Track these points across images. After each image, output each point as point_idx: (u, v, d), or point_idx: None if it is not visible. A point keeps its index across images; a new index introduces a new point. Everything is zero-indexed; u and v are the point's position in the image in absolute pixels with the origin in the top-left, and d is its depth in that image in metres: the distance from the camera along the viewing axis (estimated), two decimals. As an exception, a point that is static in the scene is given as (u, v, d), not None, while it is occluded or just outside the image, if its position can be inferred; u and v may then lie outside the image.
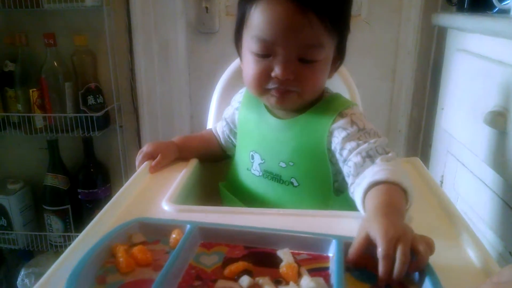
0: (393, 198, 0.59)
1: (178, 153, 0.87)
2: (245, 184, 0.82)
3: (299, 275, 0.50)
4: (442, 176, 1.38)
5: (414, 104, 1.58)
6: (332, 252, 0.53)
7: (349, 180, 0.70)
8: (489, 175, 1.05)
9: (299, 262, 0.52)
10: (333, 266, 0.50)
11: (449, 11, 1.38)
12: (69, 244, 0.57)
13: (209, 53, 1.57)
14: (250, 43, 0.72)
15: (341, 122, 0.73)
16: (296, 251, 0.54)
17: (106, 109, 1.54)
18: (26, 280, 1.62)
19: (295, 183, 0.75)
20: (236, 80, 1.02)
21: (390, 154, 0.68)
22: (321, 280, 0.48)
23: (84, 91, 1.49)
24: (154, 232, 0.57)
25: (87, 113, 1.49)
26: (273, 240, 0.55)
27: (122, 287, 0.48)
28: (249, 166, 0.81)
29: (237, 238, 0.56)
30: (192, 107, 1.63)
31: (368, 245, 0.50)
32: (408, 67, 1.53)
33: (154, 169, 0.82)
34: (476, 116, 1.04)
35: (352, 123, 0.72)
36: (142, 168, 0.81)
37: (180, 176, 0.78)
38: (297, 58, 0.69)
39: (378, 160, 0.67)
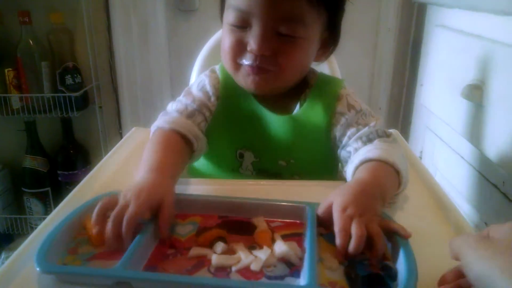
0: (378, 177, 0.57)
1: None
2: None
3: (273, 241, 0.50)
4: (421, 152, 1.40)
5: (394, 81, 1.59)
6: (305, 218, 0.53)
7: (346, 165, 0.67)
8: (466, 149, 1.07)
9: (273, 229, 0.53)
10: (306, 231, 0.51)
11: (428, -13, 1.38)
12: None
13: (189, 32, 1.55)
14: (226, 14, 0.67)
15: (339, 107, 0.69)
16: (271, 219, 0.54)
17: (84, 89, 1.52)
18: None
19: (298, 179, 0.72)
20: (216, 57, 1.01)
21: (389, 136, 0.66)
22: (294, 244, 0.49)
23: (62, 71, 1.46)
24: None
25: (65, 93, 1.46)
26: (247, 208, 0.55)
27: (93, 257, 0.47)
28: (236, 166, 0.73)
29: (211, 207, 0.56)
30: (172, 86, 1.62)
31: (330, 213, 0.50)
32: (389, 44, 1.53)
33: (167, 231, 0.51)
34: (454, 90, 1.06)
35: (349, 106, 0.69)
36: (120, 144, 0.80)
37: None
38: (275, 32, 0.63)
39: (376, 141, 0.65)
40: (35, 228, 1.59)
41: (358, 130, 0.67)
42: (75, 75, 1.48)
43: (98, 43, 1.52)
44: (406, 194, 0.63)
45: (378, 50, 1.55)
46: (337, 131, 0.69)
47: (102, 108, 1.62)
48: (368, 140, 0.65)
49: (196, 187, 0.65)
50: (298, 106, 0.72)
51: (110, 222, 0.48)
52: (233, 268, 0.46)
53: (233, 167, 0.73)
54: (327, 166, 0.73)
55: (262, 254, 0.47)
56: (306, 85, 0.73)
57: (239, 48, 0.65)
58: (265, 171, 0.72)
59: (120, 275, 0.43)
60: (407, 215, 0.58)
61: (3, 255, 1.62)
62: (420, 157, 1.38)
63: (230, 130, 0.73)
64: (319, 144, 0.71)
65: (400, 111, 1.64)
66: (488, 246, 0.37)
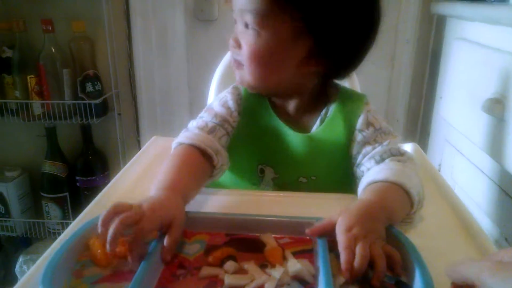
0: (383, 199, 0.55)
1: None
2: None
3: (284, 258, 0.49)
4: (440, 165, 1.38)
5: (412, 93, 1.58)
6: None
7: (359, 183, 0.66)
8: (487, 163, 1.06)
9: (282, 246, 0.52)
10: (316, 248, 0.49)
11: (448, 0, 1.37)
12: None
13: (208, 41, 1.56)
14: None
15: (358, 124, 0.69)
16: (279, 235, 0.53)
17: (104, 96, 1.54)
18: (24, 267, 1.62)
19: None
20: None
21: (403, 156, 0.65)
22: (306, 261, 0.48)
23: (82, 78, 1.48)
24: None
25: (85, 100, 1.48)
26: (254, 225, 0.54)
27: (100, 280, 0.45)
28: (257, 181, 0.73)
29: (218, 225, 0.55)
30: (190, 94, 1.63)
31: (330, 231, 0.50)
32: (407, 55, 1.53)
33: (171, 254, 0.50)
34: (474, 104, 1.05)
35: (368, 124, 0.69)
36: (139, 154, 0.80)
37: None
38: (244, 25, 0.65)
39: (387, 160, 0.64)
40: (53, 232, 1.58)
41: (373, 149, 0.66)
42: (96, 83, 1.50)
43: (118, 52, 1.55)
44: (426, 210, 0.62)
45: (396, 61, 1.55)
46: (354, 149, 0.69)
47: (121, 115, 1.64)
48: (381, 159, 0.65)
49: (214, 197, 0.65)
50: (318, 122, 0.71)
51: (118, 222, 0.46)
52: None
53: (254, 182, 0.73)
54: (348, 183, 0.71)
55: (275, 273, 0.46)
56: (327, 100, 0.72)
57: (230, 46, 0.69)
58: (285, 187, 0.72)
59: None
60: (426, 231, 0.58)
61: (21, 258, 1.65)
62: (439, 170, 1.36)
63: (251, 145, 0.72)
64: (339, 162, 0.71)
65: (418, 124, 1.63)
66: (508, 268, 0.37)
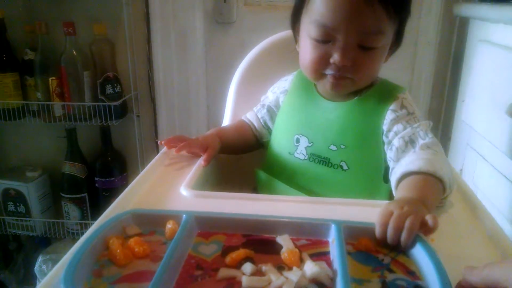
0: (420, 193, 0.59)
1: (220, 147, 0.84)
2: (287, 169, 0.80)
3: (301, 260, 0.49)
4: (461, 170, 1.36)
5: (433, 96, 1.56)
6: (331, 236, 0.52)
7: (390, 164, 0.72)
8: (510, 168, 1.03)
9: (299, 248, 0.51)
10: (333, 250, 0.50)
11: (471, 1, 1.35)
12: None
13: (226, 44, 1.56)
14: (309, 28, 0.71)
15: (393, 105, 0.74)
16: (295, 237, 0.53)
17: (123, 98, 1.55)
18: (44, 267, 1.64)
19: (345, 167, 0.75)
20: (254, 70, 1.02)
21: (431, 140, 0.69)
22: (324, 264, 0.48)
23: (102, 80, 1.50)
24: (149, 223, 0.55)
25: (105, 102, 1.50)
26: (271, 227, 0.54)
27: (120, 280, 0.46)
28: (293, 150, 0.80)
29: (234, 226, 0.55)
30: (209, 97, 1.63)
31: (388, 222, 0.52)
32: (428, 58, 1.50)
33: (208, 162, 0.78)
34: (498, 107, 1.02)
35: (402, 106, 0.74)
36: (159, 156, 0.81)
37: (198, 163, 0.78)
38: (357, 45, 0.69)
39: (417, 148, 0.68)
40: (72, 233, 1.60)
41: (404, 128, 0.71)
42: (115, 85, 1.52)
43: (137, 54, 1.56)
44: (447, 214, 0.61)
45: (417, 64, 1.52)
46: (385, 125, 0.73)
47: (140, 117, 1.65)
48: (410, 140, 0.69)
49: (230, 201, 0.65)
50: (355, 98, 0.77)
51: (177, 136, 0.82)
52: None
53: (289, 151, 0.80)
54: (374, 160, 0.75)
55: (293, 276, 0.46)
56: (371, 85, 0.78)
57: (322, 61, 0.72)
58: (316, 156, 0.77)
59: None
60: (447, 235, 0.56)
61: (40, 258, 1.67)
62: (460, 174, 1.34)
63: (292, 117, 0.83)
64: (368, 135, 0.75)
65: (439, 127, 1.60)
66: None
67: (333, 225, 0.53)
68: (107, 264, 0.48)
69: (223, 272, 0.47)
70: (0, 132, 1.73)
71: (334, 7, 0.67)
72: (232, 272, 0.47)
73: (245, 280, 0.45)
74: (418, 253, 0.49)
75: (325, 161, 0.76)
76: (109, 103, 1.49)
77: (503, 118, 1.00)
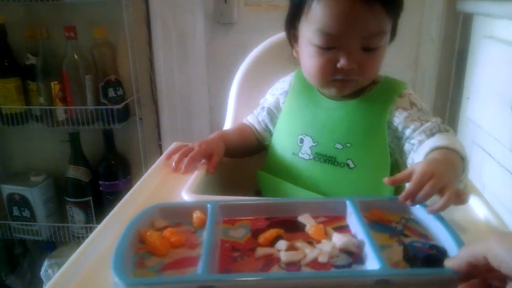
0: (449, 159, 0.63)
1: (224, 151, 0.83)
2: (292, 169, 0.80)
3: (327, 234, 0.54)
4: (467, 167, 1.34)
5: (438, 93, 1.54)
6: (348, 211, 0.57)
7: (409, 155, 0.74)
8: (517, 165, 1.02)
9: (321, 224, 0.56)
10: (352, 223, 0.55)
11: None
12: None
13: (227, 44, 1.55)
14: (312, 36, 0.72)
15: (401, 103, 0.76)
16: (314, 215, 0.58)
17: (126, 102, 1.55)
18: (50, 271, 1.64)
19: (351, 165, 0.75)
20: (256, 71, 1.01)
21: (449, 132, 0.74)
22: (347, 235, 0.53)
23: (104, 84, 1.49)
24: (175, 216, 0.58)
25: (107, 105, 1.49)
26: (290, 208, 0.59)
27: (164, 267, 0.48)
28: (296, 150, 0.80)
29: (257, 210, 0.59)
30: (210, 99, 1.62)
31: (409, 178, 0.57)
32: (432, 55, 1.48)
33: (214, 170, 0.78)
34: (504, 104, 1.01)
35: (411, 104, 0.76)
36: (160, 160, 0.81)
37: (199, 167, 0.78)
38: (361, 48, 0.71)
39: (437, 134, 0.71)
40: (77, 236, 1.61)
41: (421, 124, 0.73)
42: (117, 88, 1.52)
43: (139, 57, 1.56)
44: (453, 213, 0.60)
45: (421, 61, 1.50)
46: (400, 124, 0.75)
47: (143, 119, 1.65)
48: (431, 134, 0.72)
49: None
50: (359, 97, 0.78)
51: (179, 153, 0.78)
52: (302, 262, 0.49)
53: (293, 151, 0.80)
54: (381, 157, 0.75)
55: (325, 247, 0.50)
56: (373, 83, 0.79)
57: (329, 67, 0.73)
58: (322, 155, 0.77)
59: (205, 279, 0.44)
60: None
61: (46, 262, 1.67)
62: (466, 173, 1.32)
63: (295, 118, 0.83)
64: (374, 133, 0.76)
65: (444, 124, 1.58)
66: None
67: (347, 201, 0.58)
68: (146, 256, 0.51)
69: (260, 251, 0.51)
70: (3, 137, 1.74)
71: (337, 16, 0.68)
72: (268, 250, 0.51)
73: (283, 255, 0.49)
74: (427, 219, 0.56)
75: (331, 160, 0.76)
76: (111, 107, 1.49)
77: (509, 115, 0.99)
